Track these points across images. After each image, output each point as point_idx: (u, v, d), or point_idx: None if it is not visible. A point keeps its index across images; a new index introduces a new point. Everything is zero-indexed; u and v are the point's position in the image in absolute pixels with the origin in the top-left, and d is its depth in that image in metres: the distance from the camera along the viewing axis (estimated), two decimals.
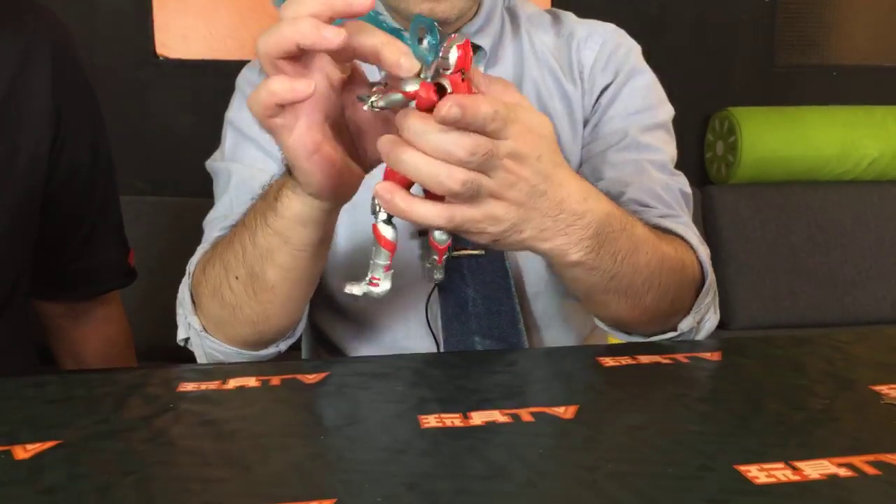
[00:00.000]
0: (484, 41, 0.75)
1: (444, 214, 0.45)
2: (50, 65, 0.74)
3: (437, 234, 0.53)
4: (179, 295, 0.66)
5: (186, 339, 0.66)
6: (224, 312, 0.61)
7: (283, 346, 0.65)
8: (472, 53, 0.43)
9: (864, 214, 1.90)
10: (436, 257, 0.58)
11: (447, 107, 0.41)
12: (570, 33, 0.78)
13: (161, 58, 1.85)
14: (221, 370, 0.55)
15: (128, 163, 1.90)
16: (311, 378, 0.53)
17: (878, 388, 0.49)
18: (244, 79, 0.78)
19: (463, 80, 0.43)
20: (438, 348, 0.71)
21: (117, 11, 1.82)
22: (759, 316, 1.78)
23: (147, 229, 1.66)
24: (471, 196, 0.44)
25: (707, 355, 0.57)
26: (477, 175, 0.43)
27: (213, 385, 0.52)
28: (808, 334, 0.62)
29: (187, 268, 0.66)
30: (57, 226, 0.79)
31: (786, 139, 1.88)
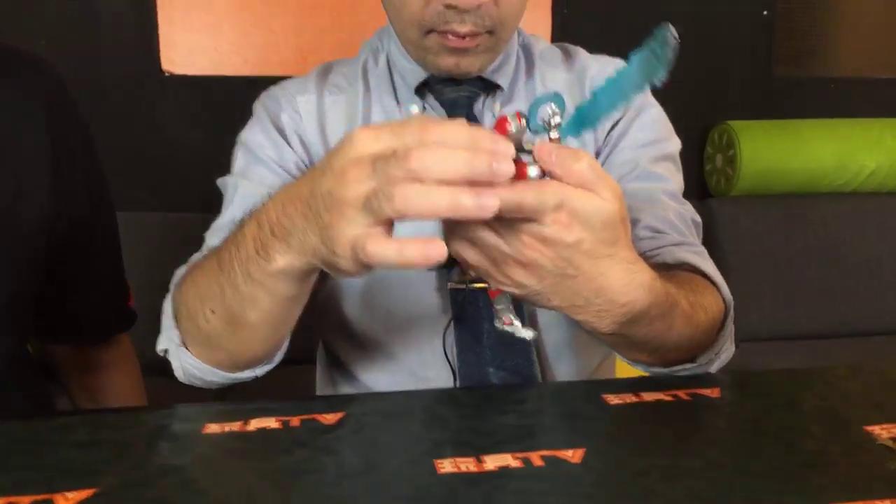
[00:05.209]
0: (502, 80, 0.77)
1: (453, 247, 0.47)
2: (44, 119, 0.71)
3: None
4: (164, 305, 0.66)
5: (166, 351, 0.65)
6: (200, 337, 0.61)
7: (259, 371, 0.64)
8: (507, 124, 0.43)
9: (862, 226, 1.93)
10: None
11: None
12: (582, 68, 0.80)
13: (167, 73, 1.88)
14: (243, 411, 0.58)
15: (132, 177, 1.94)
16: (329, 419, 0.56)
17: (871, 428, 0.52)
18: (262, 105, 0.79)
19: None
20: (454, 378, 0.73)
21: (123, 27, 1.85)
22: (758, 327, 1.81)
23: (150, 245, 1.68)
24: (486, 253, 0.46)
25: (707, 392, 0.60)
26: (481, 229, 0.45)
27: (235, 426, 0.55)
28: (803, 369, 0.64)
29: (172, 279, 0.66)
30: (59, 276, 0.78)
31: (784, 152, 1.91)
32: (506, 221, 0.44)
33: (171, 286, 0.65)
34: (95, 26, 1.83)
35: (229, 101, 1.95)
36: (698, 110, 2.03)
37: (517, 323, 0.51)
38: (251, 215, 0.54)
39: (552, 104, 0.42)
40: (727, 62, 2.05)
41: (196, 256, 0.68)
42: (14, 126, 0.70)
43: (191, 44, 1.88)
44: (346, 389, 0.81)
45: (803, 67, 2.11)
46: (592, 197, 0.44)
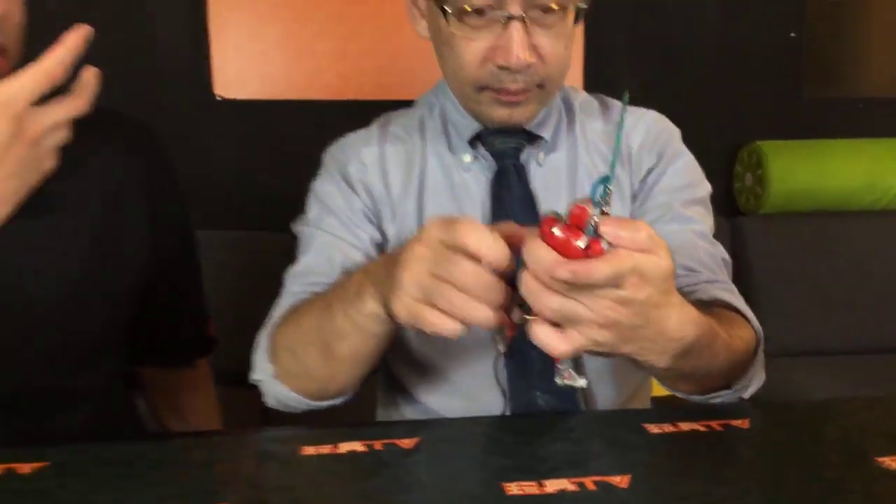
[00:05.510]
0: (545, 132, 0.86)
1: (552, 343, 0.54)
2: (145, 176, 0.82)
3: (517, 314, 0.60)
4: (259, 340, 0.77)
5: (259, 381, 0.76)
6: (296, 368, 0.73)
7: (339, 401, 0.76)
8: (587, 214, 0.51)
9: (890, 244, 1.97)
10: (507, 332, 0.64)
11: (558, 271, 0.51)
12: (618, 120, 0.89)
13: (219, 98, 1.99)
14: (333, 434, 0.67)
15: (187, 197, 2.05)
16: (406, 443, 0.65)
17: (882, 459, 0.59)
18: (331, 157, 0.89)
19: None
20: (505, 401, 0.82)
21: (179, 56, 1.97)
22: (787, 344, 1.86)
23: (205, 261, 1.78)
24: (570, 323, 0.53)
25: (738, 423, 0.67)
26: (573, 304, 0.52)
27: (327, 449, 0.64)
28: (824, 401, 0.72)
29: (269, 315, 0.77)
30: (150, 308, 0.88)
31: (813, 172, 1.96)
32: (587, 291, 0.52)
33: (269, 326, 0.76)
34: (153, 55, 1.96)
35: (276, 125, 2.08)
36: (728, 130, 2.09)
37: (575, 375, 0.59)
38: (362, 268, 0.69)
39: (606, 186, 0.51)
40: (757, 83, 2.11)
41: (282, 302, 0.79)
42: (121, 180, 0.81)
43: (241, 70, 1.99)
44: (406, 409, 0.90)
45: (831, 88, 2.16)
46: (654, 258, 0.52)
